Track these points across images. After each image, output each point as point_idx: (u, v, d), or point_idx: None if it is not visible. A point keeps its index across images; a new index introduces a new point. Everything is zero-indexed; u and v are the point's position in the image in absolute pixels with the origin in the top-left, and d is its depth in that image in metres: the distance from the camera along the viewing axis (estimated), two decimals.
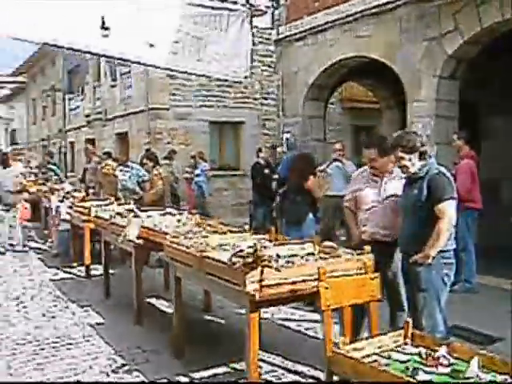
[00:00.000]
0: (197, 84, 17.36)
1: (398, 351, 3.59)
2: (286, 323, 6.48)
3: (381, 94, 13.64)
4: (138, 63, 9.43)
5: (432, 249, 4.36)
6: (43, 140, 30.81)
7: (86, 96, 23.59)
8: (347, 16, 10.14)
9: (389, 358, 3.49)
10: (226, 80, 10.68)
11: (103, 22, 7.73)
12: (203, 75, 9.04)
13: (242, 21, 9.74)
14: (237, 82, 13.06)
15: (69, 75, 26.03)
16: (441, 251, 4.37)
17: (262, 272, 3.95)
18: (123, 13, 7.85)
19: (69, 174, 25.74)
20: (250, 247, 4.21)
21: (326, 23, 10.67)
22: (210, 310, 6.83)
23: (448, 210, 4.38)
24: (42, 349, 5.71)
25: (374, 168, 5.15)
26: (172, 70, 9.72)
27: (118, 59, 8.91)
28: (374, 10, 9.60)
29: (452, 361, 3.34)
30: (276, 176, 11.08)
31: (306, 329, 6.23)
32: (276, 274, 3.99)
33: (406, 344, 3.69)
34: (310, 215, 7.43)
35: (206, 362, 5.16)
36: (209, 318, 6.67)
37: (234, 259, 4.18)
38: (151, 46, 7.99)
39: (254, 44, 16.70)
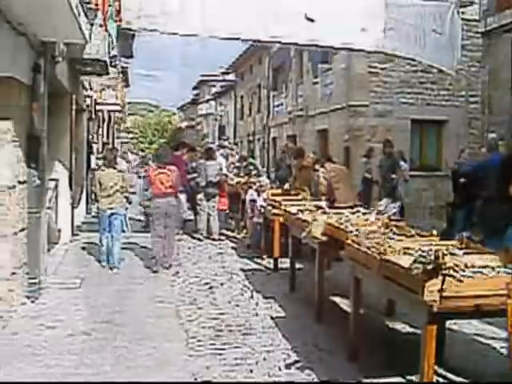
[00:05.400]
0: (398, 81, 16.88)
1: None
2: (477, 338, 5.97)
3: None
4: (351, 50, 9.40)
5: None
6: (248, 135, 32.30)
7: (289, 93, 24.19)
8: None
9: None
10: (441, 71, 10.18)
11: (307, 13, 7.84)
12: (420, 62, 8.76)
13: (452, 12, 9.27)
14: (449, 75, 12.40)
15: (274, 73, 26.90)
16: None
17: (443, 281, 3.62)
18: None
19: (271, 169, 26.68)
20: (433, 253, 3.89)
21: None
22: (393, 314, 6.52)
23: None
24: (223, 335, 5.91)
25: None
26: (388, 55, 9.56)
27: (331, 48, 8.98)
28: None
29: None
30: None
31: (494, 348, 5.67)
32: (458, 285, 3.63)
33: None
34: None
35: (381, 369, 4.93)
36: (391, 323, 6.37)
37: (415, 265, 3.89)
38: (363, 30, 7.90)
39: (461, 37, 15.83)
